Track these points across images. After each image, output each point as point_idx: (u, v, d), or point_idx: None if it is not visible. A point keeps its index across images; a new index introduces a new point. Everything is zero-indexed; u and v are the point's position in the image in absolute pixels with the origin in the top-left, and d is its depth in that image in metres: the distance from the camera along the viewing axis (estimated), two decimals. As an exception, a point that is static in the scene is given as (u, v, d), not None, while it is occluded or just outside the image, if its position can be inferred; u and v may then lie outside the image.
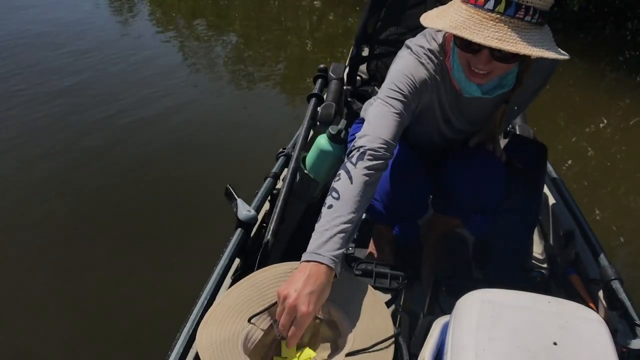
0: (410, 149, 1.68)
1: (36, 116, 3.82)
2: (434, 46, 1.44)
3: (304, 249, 1.23)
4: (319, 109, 2.15)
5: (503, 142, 2.11)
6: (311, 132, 2.13)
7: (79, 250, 2.70)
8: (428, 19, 1.29)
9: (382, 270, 1.55)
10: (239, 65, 4.87)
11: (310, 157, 1.97)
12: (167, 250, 2.70)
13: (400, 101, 1.37)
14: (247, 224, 1.60)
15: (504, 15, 1.15)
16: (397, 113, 1.36)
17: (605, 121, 4.06)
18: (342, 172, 1.31)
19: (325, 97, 2.24)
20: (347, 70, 2.29)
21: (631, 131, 3.96)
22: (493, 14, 1.16)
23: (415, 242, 1.62)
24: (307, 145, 2.04)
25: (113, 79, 4.50)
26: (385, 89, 1.40)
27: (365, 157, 1.30)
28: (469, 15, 1.19)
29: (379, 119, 1.35)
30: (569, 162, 3.54)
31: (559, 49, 1.21)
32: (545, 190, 1.97)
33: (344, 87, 2.27)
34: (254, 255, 1.55)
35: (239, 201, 1.64)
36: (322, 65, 2.38)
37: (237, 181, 1.84)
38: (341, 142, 1.91)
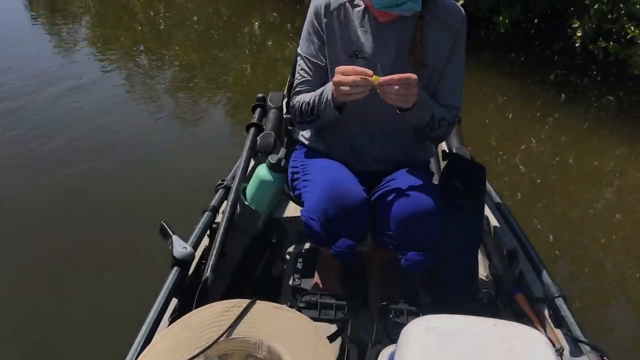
0: (347, 168, 1.68)
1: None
2: None
3: (249, 285, 1.20)
4: (258, 138, 2.12)
5: (442, 164, 2.14)
6: (251, 162, 2.10)
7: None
8: None
9: (327, 301, 1.52)
10: (177, 94, 4.78)
11: (251, 187, 1.93)
12: (101, 291, 2.56)
13: (311, 42, 1.67)
14: (183, 262, 1.53)
15: None
16: (312, 59, 1.67)
17: (536, 138, 4.22)
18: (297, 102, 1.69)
19: (264, 126, 2.21)
20: (285, 98, 2.27)
21: (560, 146, 4.14)
22: None
23: (356, 261, 1.58)
24: (247, 175, 2.00)
25: (48, 109, 4.32)
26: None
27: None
28: None
29: (300, 73, 1.70)
30: (504, 179, 3.65)
31: None
32: (486, 210, 1.99)
33: (284, 116, 2.25)
34: (192, 294, 1.48)
35: (175, 238, 1.58)
36: (260, 95, 2.35)
37: (173, 216, 1.76)
38: (282, 171, 1.88)
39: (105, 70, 5.24)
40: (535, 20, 6.35)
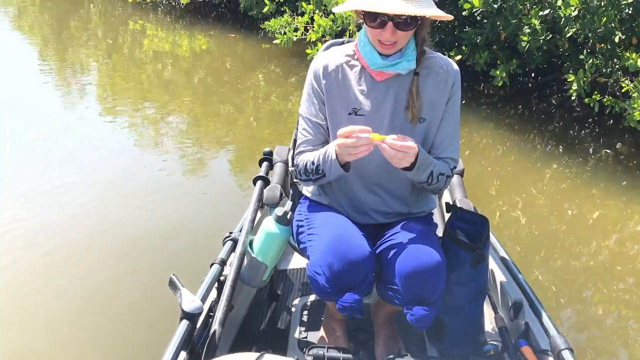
0: (350, 221, 1.71)
1: None
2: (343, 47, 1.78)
3: (255, 337, 1.21)
4: (265, 191, 2.16)
5: (446, 216, 2.17)
6: (258, 215, 2.13)
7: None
8: (338, 7, 1.64)
9: (334, 355, 1.52)
10: (184, 147, 4.86)
11: (258, 240, 1.94)
12: (109, 345, 2.54)
13: (311, 103, 1.75)
14: (192, 315, 1.54)
15: None
16: (313, 120, 1.75)
17: (536, 189, 4.27)
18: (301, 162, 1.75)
19: (270, 179, 2.25)
20: (291, 152, 2.33)
21: (560, 197, 4.18)
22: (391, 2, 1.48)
23: (361, 314, 1.59)
24: (254, 228, 2.03)
25: (60, 161, 4.38)
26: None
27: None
28: None
29: (303, 133, 1.77)
30: (505, 229, 3.67)
31: (441, 11, 1.56)
32: (490, 262, 2.01)
33: (289, 169, 2.30)
34: (200, 347, 1.49)
35: (184, 291, 1.58)
36: (267, 149, 2.41)
37: (182, 269, 1.79)
38: (288, 224, 1.91)
39: (112, 121, 5.34)
40: (532, 74, 6.53)
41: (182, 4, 9.62)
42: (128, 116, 5.50)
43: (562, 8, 4.69)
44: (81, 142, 4.82)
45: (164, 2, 10.16)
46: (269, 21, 7.07)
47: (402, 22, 1.54)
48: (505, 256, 2.07)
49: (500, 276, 2.04)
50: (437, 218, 2.21)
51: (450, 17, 1.59)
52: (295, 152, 1.82)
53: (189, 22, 9.62)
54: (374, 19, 1.55)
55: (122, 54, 7.97)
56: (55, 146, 4.67)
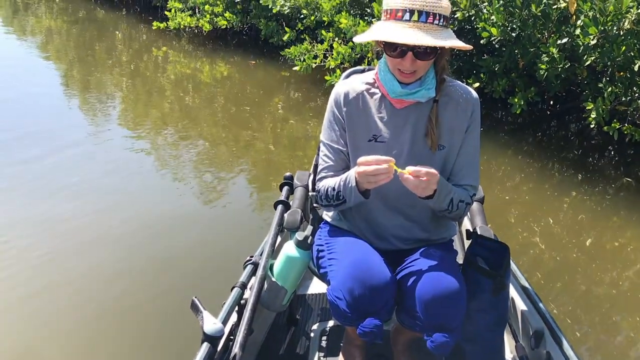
0: (371, 247, 1.72)
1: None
2: (363, 75, 1.82)
3: None
4: (285, 215, 2.18)
5: (466, 244, 2.17)
6: (278, 239, 2.15)
7: None
8: (359, 37, 1.64)
9: None
10: (204, 171, 4.93)
11: (278, 264, 1.96)
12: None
13: (332, 130, 1.78)
14: (213, 338, 1.55)
15: (419, 22, 1.52)
16: (334, 146, 1.78)
17: (555, 216, 4.24)
18: (322, 188, 1.78)
19: (291, 203, 2.28)
20: (311, 177, 2.36)
21: (579, 225, 4.14)
22: (410, 23, 1.53)
23: (381, 340, 1.59)
24: (274, 252, 2.04)
25: (71, 186, 4.46)
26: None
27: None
28: (394, 27, 1.54)
29: (324, 159, 1.80)
30: (524, 257, 3.64)
31: (460, 41, 1.58)
32: (511, 290, 2.00)
33: (309, 194, 2.33)
34: None
35: (205, 313, 1.60)
36: (287, 174, 2.44)
37: (203, 292, 1.81)
38: (308, 249, 1.92)
39: (133, 145, 5.43)
40: (551, 102, 6.53)
41: (205, 31, 9.83)
42: (149, 140, 5.60)
43: (581, 37, 4.71)
44: (102, 165, 4.91)
45: (187, 29, 10.38)
46: (289, 48, 7.21)
47: (422, 52, 1.57)
48: (526, 284, 2.06)
49: (520, 304, 2.03)
50: (457, 245, 2.21)
51: (469, 47, 1.62)
52: (317, 178, 1.85)
53: (211, 48, 9.82)
54: (394, 48, 1.58)
55: (145, 79, 8.15)
56: (77, 169, 4.76)
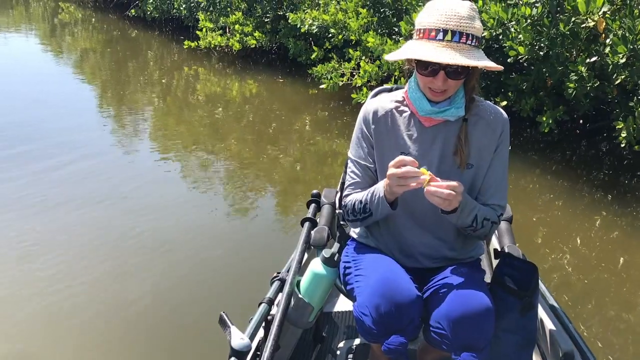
0: (399, 265, 1.73)
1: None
2: (392, 94, 1.84)
3: None
4: (312, 232, 2.20)
5: (494, 263, 2.16)
6: (305, 256, 2.16)
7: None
8: (391, 55, 1.67)
9: None
10: (232, 188, 5.00)
11: (305, 281, 1.97)
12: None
13: (360, 147, 1.81)
14: (240, 353, 1.57)
15: (452, 42, 1.55)
16: (361, 162, 1.80)
17: (584, 236, 4.17)
18: (349, 202, 1.80)
19: (318, 221, 2.30)
20: (338, 194, 2.38)
21: (610, 246, 4.06)
22: (443, 42, 1.55)
23: (407, 358, 1.59)
24: (301, 269, 2.06)
25: (103, 201, 4.57)
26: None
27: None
28: (427, 47, 1.57)
29: (351, 176, 1.83)
30: (552, 277, 3.58)
31: (492, 61, 1.59)
32: (540, 310, 1.98)
33: (336, 211, 2.34)
34: None
35: (233, 329, 1.62)
36: (315, 191, 2.47)
37: (230, 307, 1.83)
38: (335, 266, 1.94)
39: (163, 162, 5.55)
40: (581, 121, 6.44)
41: (235, 50, 10.02)
42: (179, 157, 5.72)
43: (610, 55, 4.66)
44: (132, 181, 5.02)
45: (217, 48, 10.60)
46: (317, 67, 7.29)
47: (454, 72, 1.59)
48: (555, 305, 2.04)
49: (549, 325, 2.00)
50: (484, 265, 2.20)
51: (500, 68, 1.64)
52: (344, 195, 1.87)
53: (241, 67, 9.99)
54: (425, 67, 1.60)
55: (176, 97, 8.33)
56: (109, 185, 4.89)
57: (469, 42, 1.55)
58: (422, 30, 1.60)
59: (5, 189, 4.66)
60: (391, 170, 1.58)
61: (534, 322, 1.77)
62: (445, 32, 1.54)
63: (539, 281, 1.86)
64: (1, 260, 3.61)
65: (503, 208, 1.77)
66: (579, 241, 4.09)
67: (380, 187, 1.67)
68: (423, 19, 1.61)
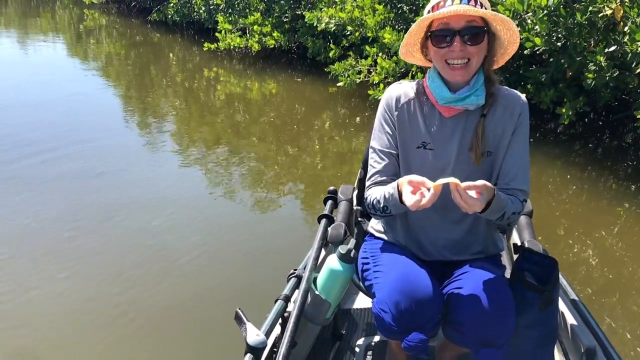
0: (418, 260, 1.72)
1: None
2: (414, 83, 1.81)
3: None
4: (329, 229, 2.20)
5: (514, 258, 2.12)
6: (322, 253, 2.16)
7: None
8: (405, 37, 1.70)
9: None
10: (252, 185, 5.03)
11: (322, 277, 1.97)
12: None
13: (384, 133, 1.78)
14: (256, 349, 1.57)
15: (461, 4, 1.57)
16: (385, 150, 1.78)
17: (608, 229, 4.09)
18: (369, 197, 1.78)
19: (335, 217, 2.29)
20: (355, 191, 2.37)
21: (635, 238, 3.98)
22: (452, 5, 1.57)
23: (427, 355, 1.57)
24: (318, 266, 2.06)
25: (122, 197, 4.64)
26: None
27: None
28: (435, 13, 1.58)
29: (374, 165, 1.80)
30: (575, 271, 3.52)
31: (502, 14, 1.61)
32: (561, 305, 1.94)
33: (354, 208, 2.34)
34: None
35: (249, 325, 1.62)
36: (331, 188, 2.46)
37: (246, 303, 1.84)
38: (351, 262, 1.92)
39: (186, 162, 5.62)
40: (603, 112, 6.31)
41: (254, 51, 10.07)
42: (201, 156, 5.79)
43: (629, 44, 4.54)
44: (155, 180, 5.12)
45: (236, 49, 10.66)
46: (334, 65, 7.28)
47: (470, 36, 1.59)
48: (577, 299, 2.00)
49: (571, 320, 1.96)
50: (505, 260, 2.17)
51: (510, 21, 1.64)
52: (367, 185, 1.84)
53: (260, 68, 10.04)
54: (439, 40, 1.61)
55: (198, 98, 8.42)
56: (132, 183, 4.99)
57: (477, 6, 1.58)
58: (432, 7, 1.63)
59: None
60: (407, 198, 1.53)
61: (555, 317, 1.74)
62: None
63: (560, 276, 1.83)
64: (60, 262, 3.69)
65: (526, 194, 1.71)
66: (601, 234, 4.02)
67: (395, 194, 1.64)
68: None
